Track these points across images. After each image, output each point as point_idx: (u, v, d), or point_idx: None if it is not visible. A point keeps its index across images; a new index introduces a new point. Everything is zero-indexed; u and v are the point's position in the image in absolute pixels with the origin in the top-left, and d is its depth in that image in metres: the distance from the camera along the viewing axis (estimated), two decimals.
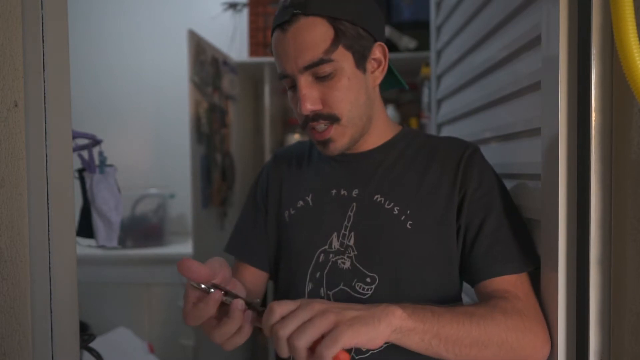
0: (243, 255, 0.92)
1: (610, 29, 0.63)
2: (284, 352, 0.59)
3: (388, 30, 2.20)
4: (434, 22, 1.59)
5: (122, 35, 2.63)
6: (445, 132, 1.47)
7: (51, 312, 0.72)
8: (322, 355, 0.56)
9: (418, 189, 0.81)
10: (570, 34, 0.69)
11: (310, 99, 0.76)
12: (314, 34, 0.74)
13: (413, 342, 0.63)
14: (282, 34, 0.76)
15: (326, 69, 0.75)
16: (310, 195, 0.88)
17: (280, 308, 0.60)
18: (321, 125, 0.78)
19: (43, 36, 0.70)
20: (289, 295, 0.84)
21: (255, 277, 0.91)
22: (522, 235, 0.78)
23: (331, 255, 0.82)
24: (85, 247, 2.20)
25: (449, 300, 0.79)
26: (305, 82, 0.76)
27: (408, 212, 0.79)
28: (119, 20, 2.63)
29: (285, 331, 0.58)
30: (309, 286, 0.82)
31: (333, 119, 0.78)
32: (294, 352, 0.58)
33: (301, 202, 0.88)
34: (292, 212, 0.89)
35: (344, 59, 0.76)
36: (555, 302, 0.70)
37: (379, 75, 0.82)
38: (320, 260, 0.82)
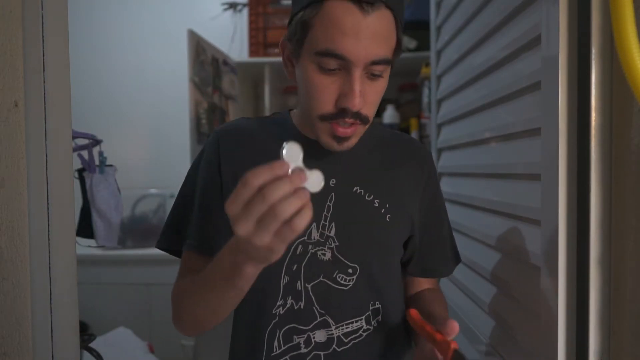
0: (201, 246, 0.80)
1: (610, 29, 0.63)
2: None
3: None
4: (434, 22, 1.59)
5: (123, 35, 2.63)
6: (445, 132, 1.47)
7: (51, 312, 0.72)
8: None
9: (390, 185, 0.83)
10: (570, 34, 0.69)
11: (361, 96, 0.70)
12: (389, 29, 0.70)
13: None
14: (360, 12, 0.67)
15: (383, 70, 0.71)
16: None
17: None
18: (350, 122, 0.73)
19: (43, 36, 0.70)
20: (263, 290, 0.77)
21: None
22: (453, 240, 0.92)
23: (310, 246, 0.78)
24: (85, 247, 2.20)
25: (398, 286, 0.87)
26: (361, 76, 0.70)
27: (387, 205, 0.81)
28: (120, 20, 2.63)
29: None
30: (284, 279, 0.78)
31: (365, 121, 0.74)
32: None
33: None
34: None
35: (390, 66, 0.73)
36: (555, 302, 0.70)
37: None
38: (299, 252, 0.78)
